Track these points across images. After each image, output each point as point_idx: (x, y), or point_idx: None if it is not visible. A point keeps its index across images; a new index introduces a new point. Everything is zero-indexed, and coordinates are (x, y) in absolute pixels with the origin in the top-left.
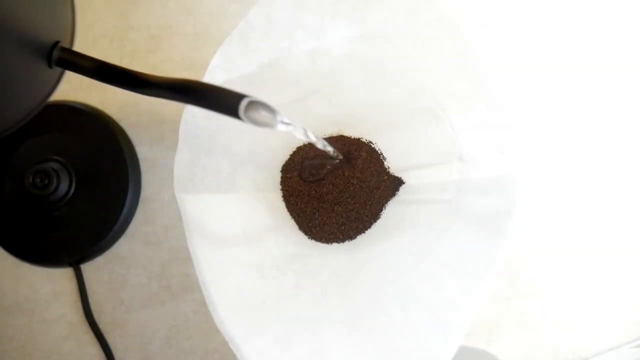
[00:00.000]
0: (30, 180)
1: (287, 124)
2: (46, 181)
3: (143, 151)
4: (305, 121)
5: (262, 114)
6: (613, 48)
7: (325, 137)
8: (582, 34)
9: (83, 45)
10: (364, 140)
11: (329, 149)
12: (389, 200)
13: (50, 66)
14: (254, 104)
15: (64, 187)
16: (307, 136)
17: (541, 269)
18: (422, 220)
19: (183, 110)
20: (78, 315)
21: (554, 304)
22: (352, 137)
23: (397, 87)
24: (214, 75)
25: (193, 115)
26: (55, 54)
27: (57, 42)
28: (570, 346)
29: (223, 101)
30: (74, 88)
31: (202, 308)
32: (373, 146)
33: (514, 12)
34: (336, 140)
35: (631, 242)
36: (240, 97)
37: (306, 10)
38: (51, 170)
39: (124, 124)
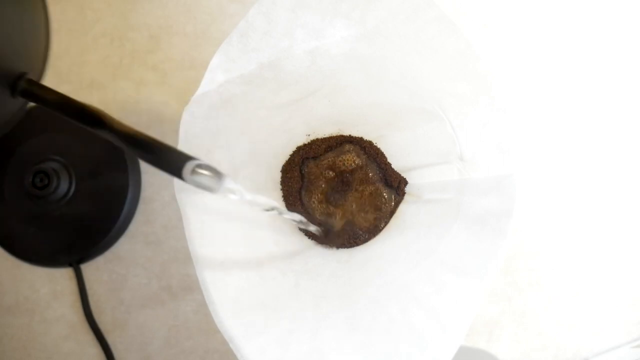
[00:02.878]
0: (30, 180)
1: (236, 192)
2: (46, 181)
3: None
4: (305, 121)
5: (208, 178)
6: (613, 48)
7: (325, 136)
8: (582, 34)
9: (83, 45)
10: (364, 141)
11: (298, 218)
12: (395, 205)
13: (12, 95)
14: (202, 166)
15: (64, 187)
16: (265, 208)
17: (541, 269)
18: (422, 220)
19: (183, 110)
20: (78, 316)
21: (554, 304)
22: (348, 151)
23: (397, 87)
24: (214, 75)
25: (193, 115)
26: (21, 85)
27: (23, 74)
28: (570, 346)
29: (168, 161)
30: (74, 88)
31: (202, 308)
32: (375, 144)
33: (514, 12)
34: (333, 152)
35: (631, 242)
36: (186, 158)
37: (306, 9)
38: (51, 170)
39: (124, 123)
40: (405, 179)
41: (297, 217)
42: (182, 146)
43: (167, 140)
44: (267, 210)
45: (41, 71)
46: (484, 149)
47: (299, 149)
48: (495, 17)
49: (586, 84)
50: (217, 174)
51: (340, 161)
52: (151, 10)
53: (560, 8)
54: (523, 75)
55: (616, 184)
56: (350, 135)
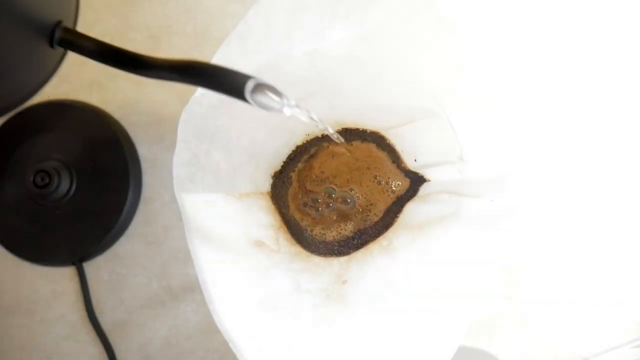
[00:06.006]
0: (31, 179)
1: (294, 106)
2: (47, 180)
3: (143, 151)
4: (305, 122)
5: (269, 97)
6: (613, 48)
7: (326, 134)
8: (582, 34)
9: None
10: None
11: (331, 131)
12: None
13: (52, 46)
14: (261, 86)
15: (64, 186)
16: (312, 119)
17: (541, 269)
18: (422, 219)
19: (182, 110)
20: (78, 315)
21: (554, 304)
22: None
23: (396, 88)
24: None
25: (192, 115)
26: (58, 33)
27: (59, 22)
28: (570, 346)
29: (229, 82)
30: (74, 88)
31: (202, 308)
32: (388, 142)
33: (514, 12)
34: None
35: (631, 242)
36: (246, 78)
37: (305, 11)
38: (52, 170)
39: (124, 123)
40: (423, 176)
41: (335, 135)
42: (181, 146)
43: (166, 140)
44: (317, 124)
45: (75, 18)
46: (484, 149)
47: (298, 147)
48: (495, 17)
49: (587, 84)
50: (277, 91)
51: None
52: (151, 10)
53: (562, 8)
54: (523, 75)
55: (617, 185)
56: (357, 128)
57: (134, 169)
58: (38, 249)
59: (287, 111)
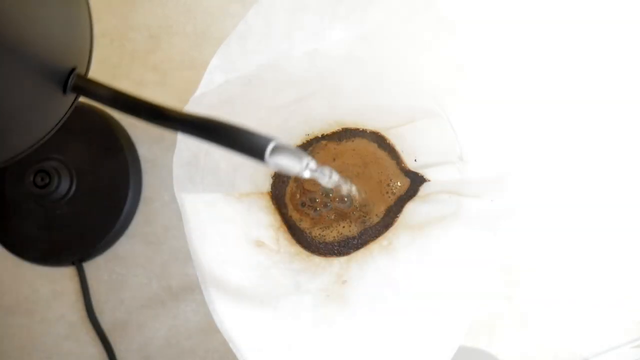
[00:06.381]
0: (31, 179)
1: (314, 170)
2: (47, 180)
3: (143, 151)
4: (305, 121)
5: (289, 159)
6: (614, 48)
7: (326, 134)
8: (582, 34)
9: None
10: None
11: (350, 191)
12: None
13: (64, 92)
14: (281, 148)
15: (64, 186)
16: (333, 180)
17: (541, 269)
18: (422, 219)
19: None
20: (78, 315)
21: (554, 304)
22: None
23: (396, 87)
24: (213, 76)
25: None
26: (72, 80)
27: (74, 69)
28: (570, 346)
29: (249, 144)
30: None
31: (202, 308)
32: (388, 141)
33: (514, 11)
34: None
35: (631, 242)
36: (267, 140)
37: (305, 11)
38: (52, 169)
39: (124, 123)
40: (423, 175)
41: (351, 189)
42: (181, 146)
43: (167, 140)
44: (335, 184)
45: (88, 65)
46: (484, 149)
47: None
48: (495, 17)
49: (587, 84)
50: (296, 153)
51: (347, 149)
52: (151, 10)
53: (562, 8)
54: (523, 75)
55: (617, 185)
56: (357, 128)
57: (134, 169)
58: (38, 249)
59: (306, 174)
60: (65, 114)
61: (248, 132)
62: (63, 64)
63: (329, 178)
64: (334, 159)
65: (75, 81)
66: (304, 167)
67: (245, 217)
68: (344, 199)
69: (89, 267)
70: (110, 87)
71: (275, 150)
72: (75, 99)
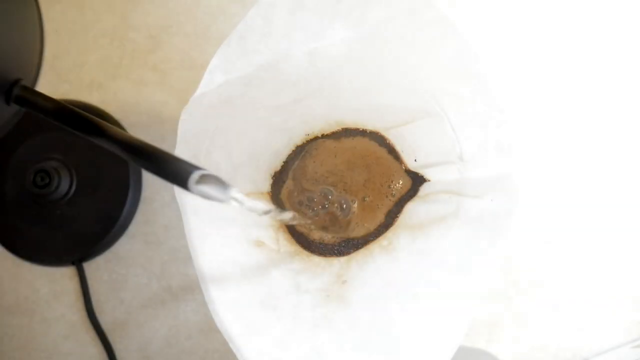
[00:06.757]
0: (31, 179)
1: (240, 201)
2: (47, 180)
3: None
4: (305, 120)
5: (214, 188)
6: (614, 47)
7: (326, 134)
8: (582, 34)
9: (83, 45)
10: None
11: (289, 217)
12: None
13: (7, 103)
14: (207, 177)
15: (64, 186)
16: (263, 212)
17: (541, 269)
18: (422, 219)
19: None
20: (78, 315)
21: (554, 304)
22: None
23: (396, 87)
24: (213, 76)
25: (191, 115)
26: (15, 92)
27: (17, 80)
28: (570, 346)
29: (174, 171)
30: (74, 88)
31: (202, 308)
32: (388, 142)
33: (514, 11)
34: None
35: (631, 242)
36: (192, 168)
37: (305, 11)
38: (52, 169)
39: (124, 123)
40: (423, 175)
41: (289, 215)
42: (181, 146)
43: (167, 140)
44: (265, 213)
45: (35, 77)
46: (484, 149)
47: (297, 147)
48: (495, 17)
49: (587, 83)
50: (222, 184)
51: (348, 148)
52: (151, 10)
53: (562, 8)
54: (523, 75)
55: (617, 185)
56: (357, 128)
57: (134, 168)
58: (38, 249)
59: (233, 204)
60: (8, 125)
61: (176, 160)
62: (5, 75)
63: (263, 213)
64: (335, 156)
65: (19, 92)
66: (228, 198)
67: (245, 217)
68: (343, 205)
69: (89, 267)
70: (55, 100)
71: (203, 179)
72: (19, 110)
